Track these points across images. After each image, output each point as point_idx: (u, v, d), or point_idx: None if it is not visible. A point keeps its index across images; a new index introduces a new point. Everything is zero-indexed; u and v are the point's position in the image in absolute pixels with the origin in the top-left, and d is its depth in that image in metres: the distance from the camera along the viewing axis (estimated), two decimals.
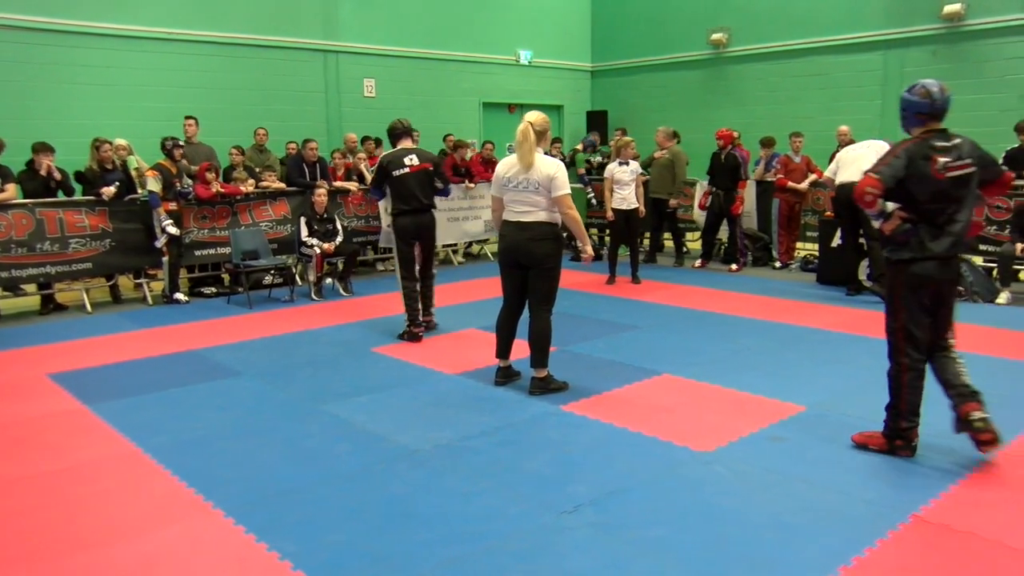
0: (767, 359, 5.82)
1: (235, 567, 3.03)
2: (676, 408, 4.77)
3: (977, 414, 3.81)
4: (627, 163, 8.99)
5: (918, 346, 3.89)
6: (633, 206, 8.98)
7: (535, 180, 4.85)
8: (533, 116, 4.94)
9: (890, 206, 3.84)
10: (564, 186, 4.88)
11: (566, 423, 4.55)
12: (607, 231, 12.37)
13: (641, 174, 9.18)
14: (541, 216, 4.91)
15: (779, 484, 3.67)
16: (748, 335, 6.56)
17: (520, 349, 5.24)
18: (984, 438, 3.81)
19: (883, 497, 3.51)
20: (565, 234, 5.16)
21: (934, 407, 4.70)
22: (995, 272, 8.21)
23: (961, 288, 7.87)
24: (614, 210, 9.01)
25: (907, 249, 3.81)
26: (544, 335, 5.04)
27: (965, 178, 3.76)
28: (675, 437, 4.27)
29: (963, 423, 3.85)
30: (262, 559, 3.08)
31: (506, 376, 5.32)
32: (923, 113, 3.81)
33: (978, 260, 8.43)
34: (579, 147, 12.75)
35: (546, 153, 5.02)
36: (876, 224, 3.93)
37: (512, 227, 4.99)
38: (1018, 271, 8.48)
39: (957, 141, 3.79)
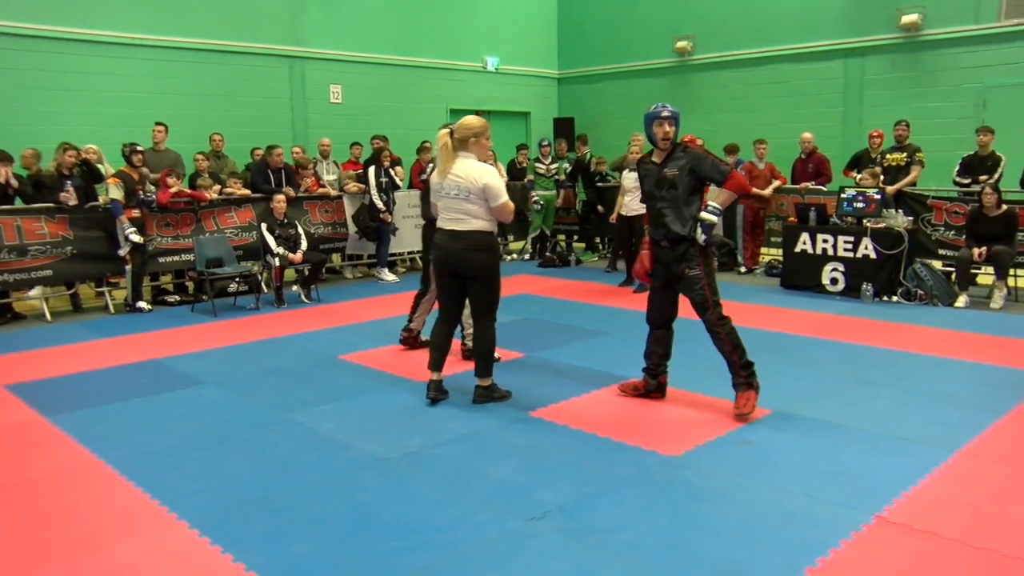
0: None
1: None
2: (644, 413, 4.80)
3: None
4: (635, 170, 9.07)
5: None
6: (635, 212, 9.01)
7: (466, 188, 4.67)
8: (459, 122, 4.77)
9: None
10: (501, 194, 4.70)
11: (534, 429, 4.55)
12: (574, 237, 12.46)
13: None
14: (473, 224, 4.72)
15: (746, 487, 3.70)
16: None
17: (458, 363, 5.22)
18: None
19: (847, 498, 3.56)
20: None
21: (907, 408, 4.79)
22: (953, 276, 8.38)
23: (921, 292, 8.04)
24: (619, 215, 9.42)
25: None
26: (487, 344, 4.98)
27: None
28: (643, 442, 4.30)
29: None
30: (228, 571, 3.03)
31: (438, 391, 5.03)
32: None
33: (937, 264, 8.60)
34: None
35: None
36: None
37: (446, 235, 4.80)
38: (975, 275, 8.66)
39: None
